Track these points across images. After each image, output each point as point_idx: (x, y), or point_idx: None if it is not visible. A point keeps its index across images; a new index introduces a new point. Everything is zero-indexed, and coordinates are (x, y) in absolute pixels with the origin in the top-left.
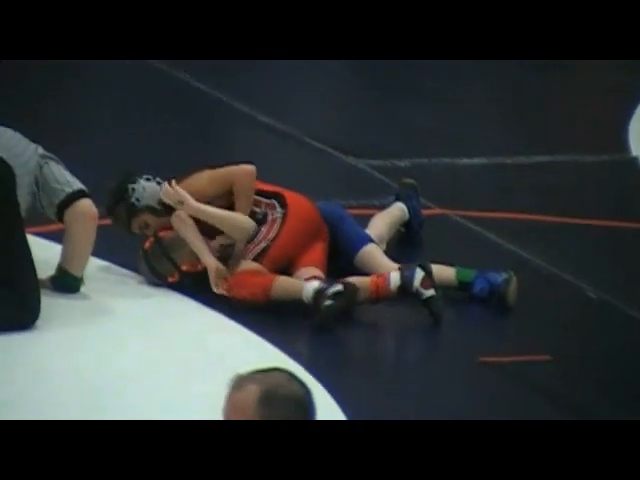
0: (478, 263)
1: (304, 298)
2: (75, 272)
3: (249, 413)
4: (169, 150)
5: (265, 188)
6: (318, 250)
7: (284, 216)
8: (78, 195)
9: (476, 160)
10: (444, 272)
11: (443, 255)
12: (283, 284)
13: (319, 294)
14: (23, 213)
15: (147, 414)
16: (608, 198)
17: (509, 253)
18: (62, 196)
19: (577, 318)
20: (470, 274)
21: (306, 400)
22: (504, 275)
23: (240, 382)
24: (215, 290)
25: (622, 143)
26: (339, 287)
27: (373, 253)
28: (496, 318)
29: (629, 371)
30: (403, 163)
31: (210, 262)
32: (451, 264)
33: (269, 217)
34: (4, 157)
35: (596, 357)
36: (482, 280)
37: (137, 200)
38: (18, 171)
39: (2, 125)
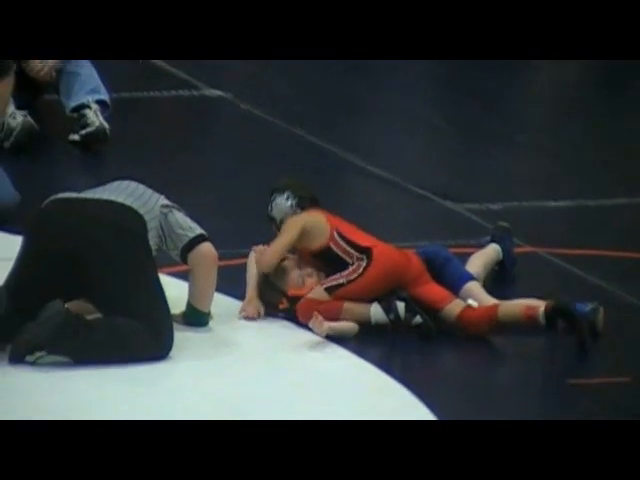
0: (566, 296)
1: (372, 320)
2: (202, 308)
3: None
4: None
5: (359, 242)
6: (434, 285)
7: (368, 264)
8: (199, 239)
9: (562, 202)
10: (535, 304)
11: (533, 289)
12: (352, 309)
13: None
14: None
15: None
16: None
17: (594, 287)
18: (185, 241)
19: None
20: (561, 303)
21: None
22: (591, 305)
23: None
24: (238, 314)
25: None
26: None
27: (475, 290)
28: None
29: None
30: (496, 206)
31: (251, 293)
32: (542, 298)
33: (356, 262)
34: (135, 206)
35: None
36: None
37: (270, 209)
38: (149, 217)
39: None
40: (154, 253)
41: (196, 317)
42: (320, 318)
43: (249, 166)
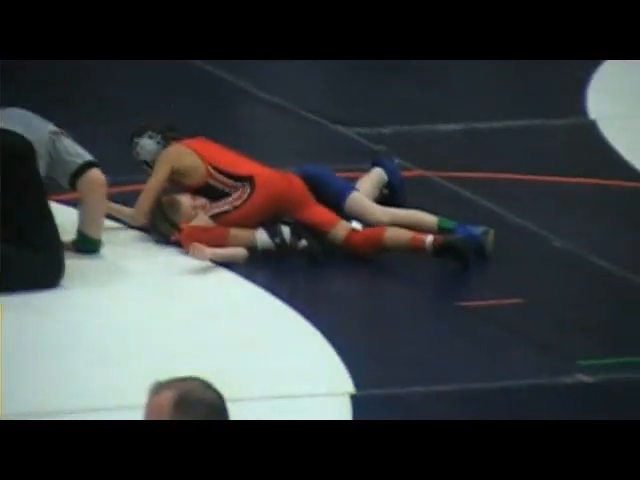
0: (456, 219)
1: (258, 245)
2: (93, 235)
3: (165, 415)
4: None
5: (238, 172)
6: (318, 208)
7: (252, 191)
8: (88, 165)
9: (452, 126)
10: (426, 218)
11: (425, 212)
12: (237, 235)
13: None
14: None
15: (156, 361)
16: (570, 158)
17: (483, 209)
18: (74, 167)
19: (544, 265)
20: (451, 223)
21: (219, 406)
22: (482, 228)
23: (158, 388)
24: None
25: (582, 108)
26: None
27: (360, 199)
28: (473, 267)
29: (587, 311)
30: (387, 130)
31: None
32: (434, 214)
33: (240, 189)
34: (23, 133)
35: (560, 299)
36: (462, 230)
37: (137, 154)
38: (37, 144)
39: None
40: (43, 180)
41: (87, 244)
42: (199, 245)
43: (140, 93)
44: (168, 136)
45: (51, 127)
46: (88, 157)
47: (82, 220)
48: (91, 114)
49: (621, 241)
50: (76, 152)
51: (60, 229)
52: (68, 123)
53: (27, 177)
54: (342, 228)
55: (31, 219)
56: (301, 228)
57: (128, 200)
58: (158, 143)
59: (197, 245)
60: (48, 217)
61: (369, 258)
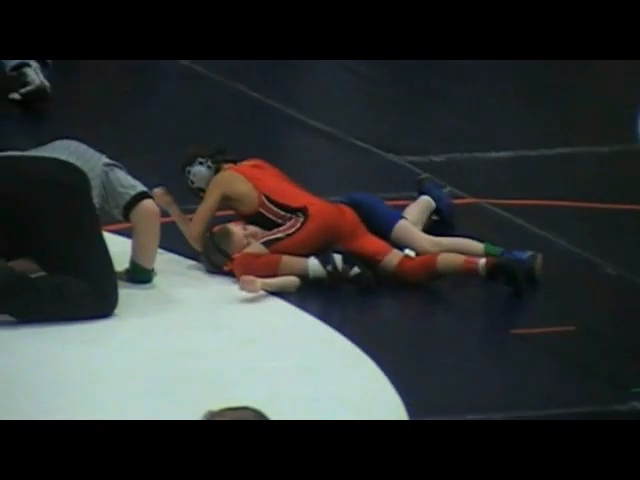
0: (507, 245)
1: (310, 273)
2: (146, 265)
3: None
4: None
5: (291, 203)
6: (370, 237)
7: (305, 220)
8: (141, 196)
9: (503, 154)
10: (473, 245)
11: (475, 239)
12: (289, 263)
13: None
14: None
15: (206, 389)
16: (622, 184)
17: (535, 236)
18: (127, 198)
19: (597, 292)
20: (498, 250)
21: None
22: (529, 252)
23: (210, 417)
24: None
25: (633, 134)
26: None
27: (407, 227)
28: (524, 293)
29: None
30: (439, 158)
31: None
32: (480, 240)
33: (293, 218)
34: (85, 170)
35: (612, 326)
36: (509, 255)
37: (191, 183)
38: (91, 175)
39: (71, 138)
40: (97, 212)
41: (140, 274)
42: (249, 277)
43: (190, 123)
44: (219, 160)
45: (104, 159)
46: (141, 188)
47: (135, 250)
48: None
49: None
50: (129, 184)
51: (113, 259)
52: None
53: (82, 208)
54: (395, 256)
55: (86, 250)
56: (352, 256)
57: (177, 228)
58: (209, 167)
59: (247, 278)
60: (102, 248)
61: (422, 284)
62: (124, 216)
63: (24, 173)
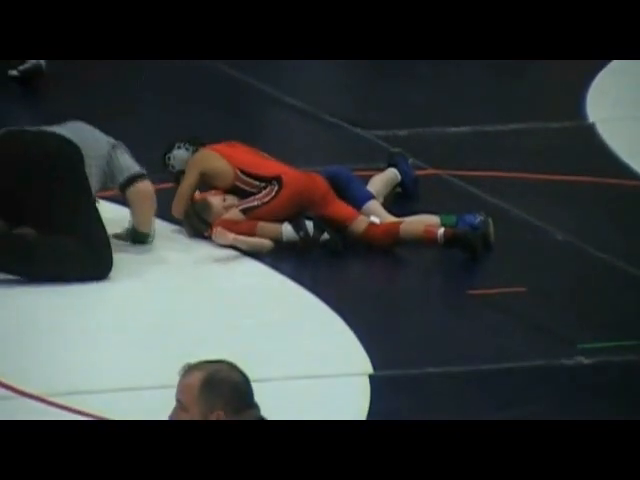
0: (461, 212)
1: (284, 238)
2: (145, 230)
3: (194, 394)
4: (204, 127)
5: (265, 173)
6: (340, 204)
7: (280, 188)
8: (136, 178)
9: (462, 128)
10: (430, 220)
11: (435, 207)
12: (265, 228)
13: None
14: (97, 186)
15: (187, 344)
16: (571, 158)
17: (490, 204)
18: (123, 178)
19: (546, 256)
20: (452, 218)
21: (243, 385)
22: (480, 217)
23: (188, 369)
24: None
25: (582, 111)
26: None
27: (375, 207)
28: (479, 257)
29: (586, 299)
30: (402, 132)
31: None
32: (435, 213)
33: (268, 187)
34: (81, 146)
35: (561, 287)
36: (462, 222)
37: (172, 167)
38: (92, 153)
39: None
40: (99, 186)
41: (139, 237)
42: (222, 229)
43: (173, 99)
44: (196, 142)
45: (111, 140)
46: (138, 169)
47: (132, 219)
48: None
49: (617, 235)
50: (127, 165)
51: (115, 223)
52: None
53: (75, 178)
54: (362, 222)
55: (79, 215)
56: (323, 222)
57: (169, 196)
58: (187, 150)
59: (220, 229)
60: (95, 215)
61: (386, 249)
62: (121, 193)
63: (23, 146)
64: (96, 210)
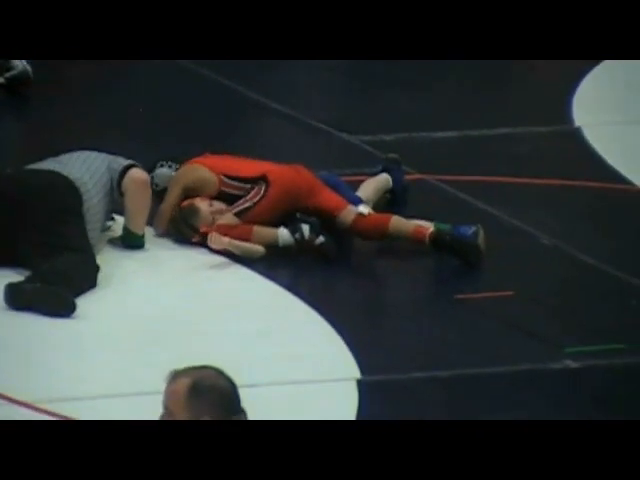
0: (452, 218)
1: (280, 241)
2: (136, 230)
3: (181, 401)
4: (191, 135)
5: (249, 174)
6: (327, 193)
7: (267, 186)
8: (130, 166)
9: (448, 133)
10: (424, 226)
11: (422, 212)
12: (261, 232)
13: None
14: (106, 208)
15: (176, 353)
16: (557, 162)
17: (477, 209)
18: (118, 173)
19: (533, 261)
20: (446, 228)
21: (230, 391)
22: (473, 228)
23: (175, 376)
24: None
25: (568, 116)
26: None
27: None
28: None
29: (573, 303)
30: (389, 137)
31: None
32: (430, 220)
33: (256, 188)
34: (86, 179)
35: (548, 292)
36: (457, 233)
37: (156, 185)
38: (97, 180)
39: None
40: (107, 210)
41: (132, 239)
42: (217, 234)
43: (159, 105)
44: (179, 160)
45: (109, 157)
46: (128, 161)
47: (126, 217)
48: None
49: (603, 238)
50: (121, 161)
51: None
52: None
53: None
54: (350, 212)
55: (79, 238)
56: (319, 226)
57: None
58: (170, 167)
59: (215, 234)
60: (86, 239)
61: (374, 242)
62: (119, 191)
63: (25, 187)
64: (86, 235)
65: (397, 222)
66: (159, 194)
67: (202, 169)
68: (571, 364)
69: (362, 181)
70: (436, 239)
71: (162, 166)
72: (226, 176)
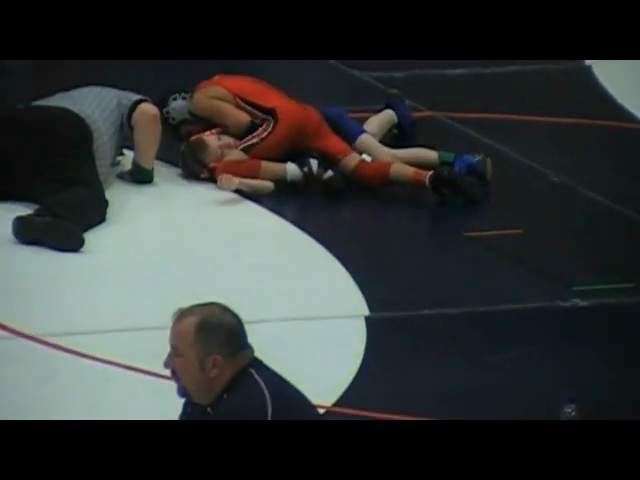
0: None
1: (288, 176)
2: (145, 165)
3: (188, 339)
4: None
5: (262, 103)
6: (333, 138)
7: (275, 123)
8: (138, 101)
9: (458, 71)
10: (427, 154)
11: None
12: (269, 167)
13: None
14: (114, 152)
15: (185, 289)
16: (567, 99)
17: (486, 146)
18: (127, 109)
19: (543, 198)
20: (450, 156)
21: (237, 328)
22: (478, 156)
23: (182, 314)
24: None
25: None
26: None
27: (368, 141)
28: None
29: (582, 241)
30: (399, 74)
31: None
32: (433, 148)
33: (264, 123)
34: (96, 116)
35: (557, 230)
36: (460, 161)
37: (173, 119)
38: (107, 116)
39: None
40: (117, 147)
41: (141, 174)
42: (228, 175)
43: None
44: (188, 89)
45: (118, 92)
46: (138, 96)
47: (135, 151)
48: None
49: (614, 177)
50: (131, 96)
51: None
52: None
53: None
54: (353, 158)
55: (89, 175)
56: (326, 160)
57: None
58: (184, 98)
59: (226, 176)
60: (96, 175)
61: (375, 188)
62: (129, 125)
63: (37, 123)
64: (97, 172)
65: (398, 168)
66: (176, 128)
67: (220, 89)
68: (579, 302)
69: (368, 118)
70: (435, 179)
71: (175, 99)
72: (240, 99)
